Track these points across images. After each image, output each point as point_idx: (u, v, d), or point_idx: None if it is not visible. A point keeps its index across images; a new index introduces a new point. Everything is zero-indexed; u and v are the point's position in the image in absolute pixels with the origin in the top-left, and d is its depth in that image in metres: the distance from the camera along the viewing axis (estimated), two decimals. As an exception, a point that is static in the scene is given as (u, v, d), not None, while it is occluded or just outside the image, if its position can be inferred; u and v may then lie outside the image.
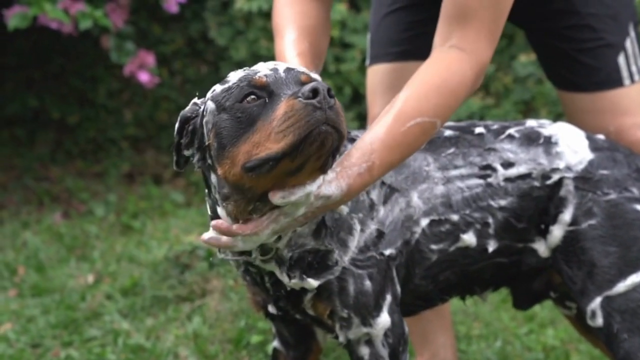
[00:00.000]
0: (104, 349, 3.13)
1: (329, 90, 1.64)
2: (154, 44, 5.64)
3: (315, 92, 1.63)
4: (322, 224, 1.91)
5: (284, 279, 1.90)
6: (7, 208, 5.07)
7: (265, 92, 1.72)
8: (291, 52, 2.08)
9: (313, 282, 1.90)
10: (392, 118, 1.86)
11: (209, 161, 1.80)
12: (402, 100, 1.88)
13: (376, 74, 2.55)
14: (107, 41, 4.81)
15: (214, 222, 1.80)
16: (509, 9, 2.00)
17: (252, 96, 1.73)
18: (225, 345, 3.13)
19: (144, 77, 4.78)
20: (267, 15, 5.28)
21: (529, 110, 5.15)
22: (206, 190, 1.91)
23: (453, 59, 1.94)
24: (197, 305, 3.37)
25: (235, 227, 1.78)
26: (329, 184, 1.78)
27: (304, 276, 1.89)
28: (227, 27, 5.46)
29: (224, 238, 1.80)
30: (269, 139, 1.67)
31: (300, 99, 1.64)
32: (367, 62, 2.60)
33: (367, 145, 1.83)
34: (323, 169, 1.73)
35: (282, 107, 1.66)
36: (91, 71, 5.73)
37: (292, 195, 1.73)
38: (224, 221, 1.80)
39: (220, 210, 1.84)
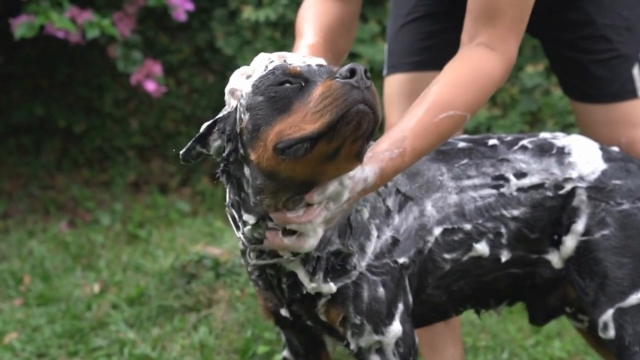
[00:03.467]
0: (110, 358, 3.12)
1: (365, 71, 1.66)
2: (161, 53, 5.64)
3: (352, 72, 1.65)
4: (348, 224, 1.92)
5: (305, 280, 1.90)
6: (12, 217, 5.07)
7: (300, 79, 1.74)
8: (303, 46, 2.11)
9: (332, 286, 1.90)
10: (424, 110, 1.91)
11: (241, 151, 1.79)
12: (434, 93, 1.94)
13: (393, 84, 2.56)
14: (114, 50, 4.81)
15: (274, 215, 1.79)
16: (532, 6, 2.04)
17: (287, 84, 1.74)
18: (231, 355, 3.12)
19: (150, 86, 4.79)
20: (274, 25, 5.29)
21: (535, 121, 5.14)
22: (228, 200, 1.90)
23: (483, 56, 1.99)
24: (203, 315, 3.36)
25: (289, 214, 1.79)
26: (363, 167, 1.82)
27: (328, 279, 1.90)
28: (235, 36, 5.47)
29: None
30: (304, 120, 1.67)
31: (338, 78, 1.66)
32: (385, 72, 2.61)
33: (398, 134, 1.88)
34: (359, 156, 1.75)
35: (319, 88, 1.67)
36: (98, 80, 5.74)
37: (326, 190, 1.76)
38: (280, 214, 1.79)
39: (246, 216, 1.84)
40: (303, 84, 1.73)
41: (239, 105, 1.79)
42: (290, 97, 1.72)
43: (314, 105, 1.66)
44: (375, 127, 1.70)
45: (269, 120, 1.72)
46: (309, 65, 1.78)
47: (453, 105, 1.92)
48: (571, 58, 2.41)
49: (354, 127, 1.66)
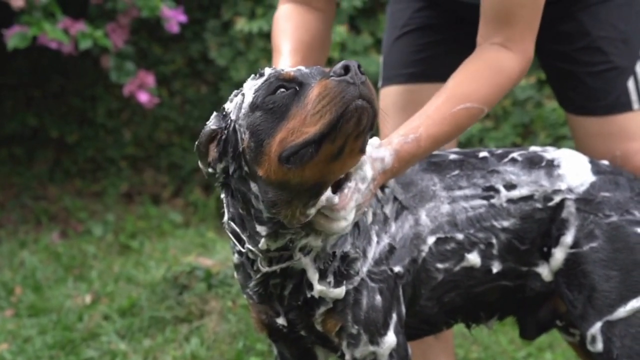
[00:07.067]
0: (101, 369, 3.12)
1: (359, 66, 1.67)
2: (154, 64, 5.65)
3: (346, 69, 1.66)
4: (356, 224, 1.94)
5: (314, 278, 1.89)
6: (4, 227, 5.06)
7: (294, 84, 1.74)
8: (284, 64, 2.12)
9: (343, 290, 1.90)
10: (442, 100, 1.98)
11: (246, 168, 1.79)
12: (452, 86, 2.00)
13: (388, 96, 2.57)
14: (107, 61, 4.82)
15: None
16: (543, 4, 2.07)
17: (282, 89, 1.74)
18: (223, 366, 3.12)
19: (143, 97, 4.79)
20: (267, 36, 5.30)
21: (527, 133, 5.15)
22: (227, 215, 1.90)
23: (500, 55, 2.04)
24: (195, 326, 3.35)
25: (327, 194, 1.78)
26: (378, 148, 1.88)
27: (344, 282, 1.90)
28: (228, 47, 5.48)
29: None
30: (304, 123, 1.67)
31: (332, 77, 1.66)
32: (379, 83, 2.62)
33: (414, 121, 1.95)
34: (363, 151, 1.76)
35: (315, 89, 1.68)
36: (91, 90, 5.74)
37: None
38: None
39: (259, 227, 1.82)
40: (298, 88, 1.73)
41: (237, 126, 1.79)
42: (287, 104, 1.72)
43: (312, 106, 1.67)
44: (374, 121, 1.71)
45: (270, 132, 1.72)
46: (300, 69, 1.78)
47: (471, 97, 1.98)
48: (566, 70, 2.42)
49: (355, 124, 1.66)
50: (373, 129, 1.74)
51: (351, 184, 1.82)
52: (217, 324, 3.32)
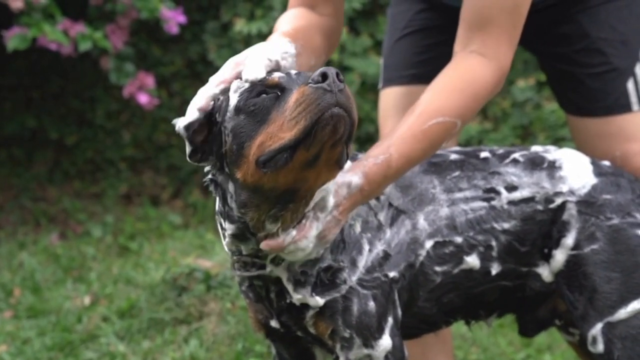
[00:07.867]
0: (100, 371, 3.11)
1: (337, 74, 1.66)
2: (153, 66, 5.65)
3: (324, 76, 1.65)
4: (342, 239, 1.93)
5: (289, 286, 1.90)
6: (3, 228, 5.06)
7: (277, 89, 1.75)
8: (274, 35, 2.06)
9: (318, 300, 1.90)
10: (414, 117, 1.94)
11: (227, 169, 1.81)
12: (425, 101, 1.96)
13: (389, 97, 2.57)
14: (106, 62, 4.82)
15: (264, 243, 1.81)
16: (526, 14, 2.05)
17: (264, 94, 1.75)
18: (222, 368, 3.11)
19: (143, 98, 4.79)
20: (266, 37, 5.30)
21: (527, 134, 5.16)
22: (217, 207, 1.90)
23: (475, 64, 2.00)
24: (194, 327, 3.35)
25: (283, 238, 1.80)
26: (345, 173, 1.85)
27: (313, 294, 1.90)
28: (227, 49, 5.48)
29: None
30: (282, 129, 1.68)
31: (310, 84, 1.66)
32: (380, 85, 2.62)
33: (386, 141, 1.91)
34: (339, 162, 1.74)
35: (294, 95, 1.68)
36: (90, 92, 5.74)
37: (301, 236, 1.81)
38: (273, 241, 1.81)
39: (228, 225, 1.85)
40: (279, 93, 1.74)
41: (223, 128, 1.80)
42: (269, 108, 1.73)
43: (290, 113, 1.67)
44: (352, 130, 1.70)
45: (251, 134, 1.73)
46: (290, 73, 1.79)
47: (443, 112, 1.94)
48: (566, 71, 2.42)
49: (330, 131, 1.66)
50: (351, 139, 1.73)
51: (309, 213, 1.82)
52: (216, 325, 3.32)
